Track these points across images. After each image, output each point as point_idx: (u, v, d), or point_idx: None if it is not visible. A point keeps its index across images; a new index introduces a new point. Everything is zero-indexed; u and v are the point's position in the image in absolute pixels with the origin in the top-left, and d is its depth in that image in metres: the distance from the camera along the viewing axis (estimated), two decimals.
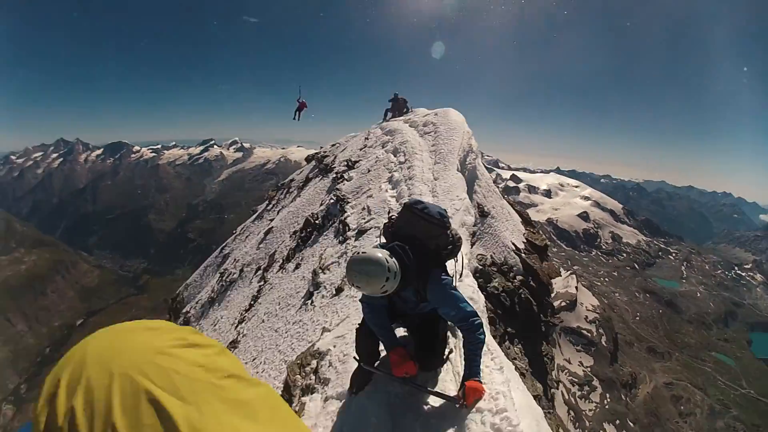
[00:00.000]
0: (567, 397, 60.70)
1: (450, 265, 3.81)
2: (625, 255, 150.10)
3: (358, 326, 3.72)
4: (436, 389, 3.37)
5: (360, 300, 3.54)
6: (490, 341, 3.88)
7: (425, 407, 3.29)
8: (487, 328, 4.70)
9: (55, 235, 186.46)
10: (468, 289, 5.23)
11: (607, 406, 62.65)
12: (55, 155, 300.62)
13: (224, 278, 14.64)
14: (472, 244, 10.04)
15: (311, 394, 4.32)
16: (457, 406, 3.05)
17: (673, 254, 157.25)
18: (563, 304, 75.85)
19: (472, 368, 3.08)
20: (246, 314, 10.43)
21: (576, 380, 64.72)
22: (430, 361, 3.63)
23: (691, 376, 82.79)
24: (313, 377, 4.59)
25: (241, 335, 9.10)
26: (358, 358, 3.72)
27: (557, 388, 60.10)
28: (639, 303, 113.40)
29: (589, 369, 67.86)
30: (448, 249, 3.45)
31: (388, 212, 9.08)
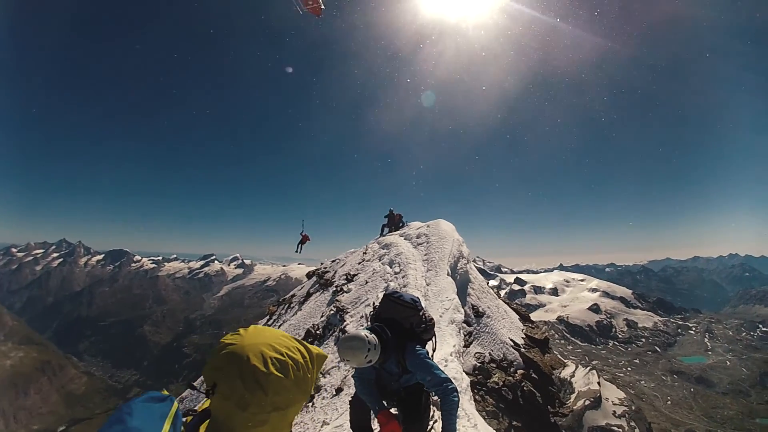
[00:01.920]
0: None
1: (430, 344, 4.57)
2: (643, 340, 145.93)
3: (350, 399, 4.44)
4: None
5: (352, 376, 4.29)
6: (468, 407, 4.52)
7: None
8: (466, 398, 5.32)
9: (46, 334, 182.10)
10: (452, 371, 6.01)
11: None
12: (55, 254, 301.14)
13: None
14: (469, 344, 10.61)
15: None
16: None
17: (693, 328, 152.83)
18: (587, 402, 72.14)
19: (449, 426, 3.67)
20: None
21: None
22: (415, 429, 4.22)
23: None
24: None
25: None
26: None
27: None
28: (668, 386, 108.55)
29: None
30: (422, 327, 4.18)
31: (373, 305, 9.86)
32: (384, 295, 4.36)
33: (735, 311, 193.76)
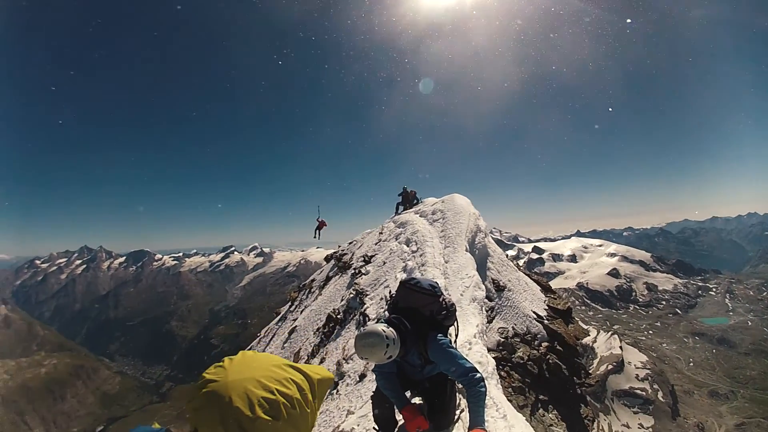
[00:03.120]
0: None
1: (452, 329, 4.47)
2: (664, 303, 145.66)
3: (372, 394, 4.30)
4: None
5: (372, 370, 4.14)
6: (496, 395, 4.39)
7: None
8: (493, 382, 5.20)
9: (77, 340, 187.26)
10: (476, 354, 5.83)
11: None
12: (78, 262, 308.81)
13: None
14: (491, 319, 10.47)
15: None
16: None
17: (714, 289, 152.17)
18: (610, 367, 72.88)
19: (476, 418, 3.53)
20: None
21: None
22: (441, 420, 4.10)
23: (763, 410, 77.74)
24: None
25: None
26: (376, 427, 4.26)
27: None
28: (689, 348, 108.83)
29: (651, 429, 63.83)
30: (442, 314, 4.01)
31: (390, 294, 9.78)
32: (400, 282, 4.17)
33: (755, 271, 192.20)
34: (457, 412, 4.32)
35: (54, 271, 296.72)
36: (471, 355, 5.80)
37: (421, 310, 3.89)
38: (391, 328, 3.52)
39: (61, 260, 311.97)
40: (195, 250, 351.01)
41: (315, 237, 25.73)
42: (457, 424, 4.20)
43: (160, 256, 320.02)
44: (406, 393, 4.13)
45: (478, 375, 3.64)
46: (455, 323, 4.50)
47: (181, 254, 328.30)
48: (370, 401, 4.32)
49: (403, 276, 11.31)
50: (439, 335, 3.80)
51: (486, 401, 4.07)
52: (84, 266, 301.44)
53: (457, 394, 4.47)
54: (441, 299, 4.05)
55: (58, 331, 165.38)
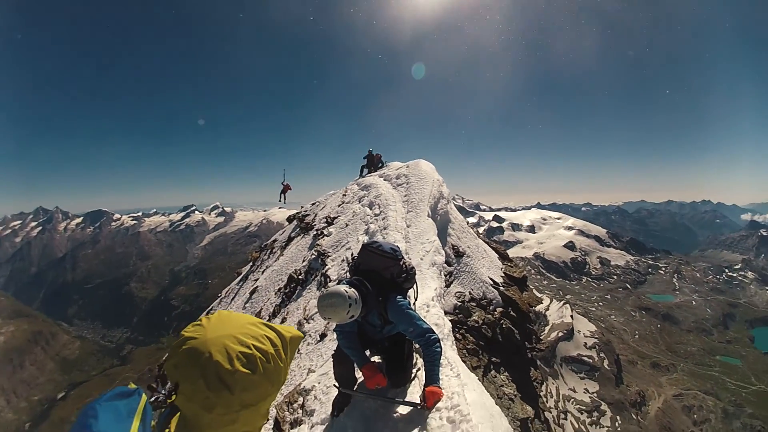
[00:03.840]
0: (577, 426, 59.87)
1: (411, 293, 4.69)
2: (615, 277, 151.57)
3: (333, 353, 4.43)
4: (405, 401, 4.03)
5: (333, 330, 4.26)
6: (451, 355, 4.60)
7: (394, 415, 3.94)
8: (448, 344, 5.39)
9: (34, 305, 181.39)
10: (434, 317, 6.00)
11: (619, 429, 61.88)
12: (33, 224, 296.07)
13: None
14: (449, 284, 10.68)
15: (299, 426, 4.94)
16: (419, 408, 3.73)
17: (663, 268, 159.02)
18: (560, 334, 75.87)
19: (431, 376, 3.74)
20: None
21: (584, 408, 64.02)
22: (399, 378, 4.29)
23: (699, 383, 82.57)
24: (300, 411, 5.24)
25: None
26: (337, 384, 4.41)
27: (566, 419, 59.48)
28: (636, 321, 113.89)
29: (595, 394, 67.29)
30: (402, 277, 4.18)
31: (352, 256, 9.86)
32: (362, 246, 4.29)
33: (703, 255, 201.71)
34: (414, 370, 4.50)
35: (8, 234, 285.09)
36: (428, 317, 5.97)
37: (381, 273, 4.04)
38: (353, 289, 3.63)
39: (15, 223, 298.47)
40: (154, 210, 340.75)
41: (280, 200, 25.45)
42: (413, 382, 4.38)
43: (119, 216, 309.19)
44: (365, 352, 4.26)
45: (435, 336, 3.80)
46: (414, 286, 4.69)
47: (140, 214, 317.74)
48: (332, 359, 4.45)
49: (365, 239, 11.38)
50: (399, 297, 3.93)
51: (441, 361, 4.23)
52: (39, 228, 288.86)
53: (414, 353, 4.65)
54: (401, 263, 4.19)
55: (15, 297, 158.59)
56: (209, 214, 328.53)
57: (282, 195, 25.23)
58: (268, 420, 1.60)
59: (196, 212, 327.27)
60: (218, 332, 1.29)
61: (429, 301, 6.95)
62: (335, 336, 4.31)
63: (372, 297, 3.77)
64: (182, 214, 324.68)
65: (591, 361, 72.79)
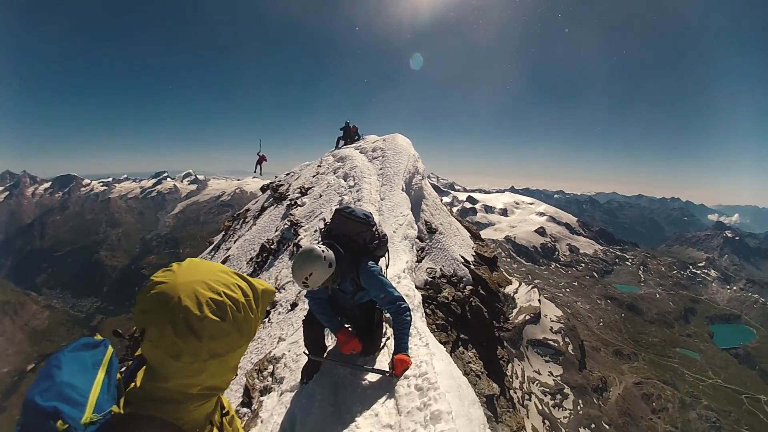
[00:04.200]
0: (541, 407, 61.46)
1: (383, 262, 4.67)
2: (583, 265, 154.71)
3: (303, 318, 4.36)
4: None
5: (305, 296, 4.17)
6: (420, 326, 4.56)
7: (363, 382, 3.93)
8: (418, 315, 5.36)
9: (1, 273, 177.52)
10: (404, 288, 5.96)
11: (580, 412, 63.76)
12: (0, 188, 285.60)
13: None
14: (421, 259, 10.64)
15: (268, 393, 4.88)
16: (388, 375, 3.72)
17: (630, 260, 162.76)
18: (527, 317, 77.41)
19: (400, 345, 3.73)
20: None
21: (548, 390, 65.71)
22: (369, 346, 4.26)
23: (659, 373, 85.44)
24: (270, 379, 5.19)
25: None
26: (307, 351, 4.37)
27: (530, 400, 61.16)
28: (601, 309, 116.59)
29: (559, 378, 69.05)
30: (375, 243, 4.16)
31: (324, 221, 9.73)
32: (336, 210, 4.23)
33: (669, 250, 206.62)
34: (384, 339, 4.48)
35: None
36: (399, 288, 5.93)
37: (354, 239, 3.99)
38: (330, 251, 3.59)
39: None
40: (126, 175, 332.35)
41: (255, 171, 25.09)
42: (383, 350, 4.38)
43: (88, 181, 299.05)
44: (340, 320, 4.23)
45: (405, 304, 3.78)
46: (386, 255, 4.64)
47: (110, 179, 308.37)
48: (302, 326, 4.38)
49: None
50: (371, 262, 3.88)
51: (411, 331, 4.17)
52: (6, 193, 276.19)
53: (384, 323, 4.63)
54: (374, 229, 4.17)
55: None
56: (182, 181, 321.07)
57: (258, 166, 24.87)
58: (236, 375, 1.44)
59: (168, 179, 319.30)
60: (188, 277, 1.23)
61: (400, 272, 6.95)
62: (306, 303, 4.28)
63: (344, 261, 3.72)
64: (154, 180, 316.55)
65: (556, 345, 74.54)
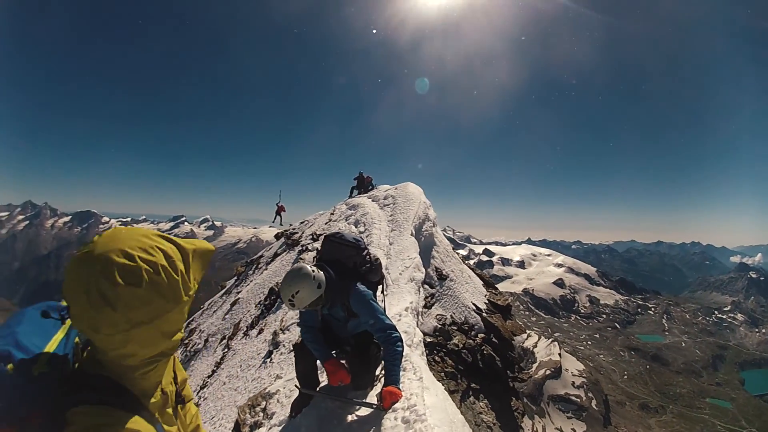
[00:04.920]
0: None
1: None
2: (604, 316, 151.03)
3: (293, 346, 4.29)
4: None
5: (297, 324, 4.11)
6: (416, 361, 4.45)
7: (350, 416, 3.78)
8: (417, 353, 5.27)
9: (14, 299, 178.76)
10: (404, 325, 5.89)
11: None
12: (21, 217, 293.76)
13: (188, 349, 14.64)
14: (431, 305, 10.53)
15: (258, 429, 4.79)
16: (374, 408, 3.58)
17: (652, 309, 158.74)
18: (548, 372, 75.06)
19: (390, 376, 3.56)
20: (208, 380, 10.53)
21: None
22: (362, 380, 4.11)
23: (689, 426, 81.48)
24: (261, 414, 5.09)
25: (202, 399, 9.24)
26: (298, 384, 4.26)
27: None
28: (625, 361, 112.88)
29: None
30: (366, 267, 4.07)
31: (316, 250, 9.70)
32: (324, 237, 4.16)
33: (693, 296, 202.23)
34: (378, 374, 4.31)
35: None
36: (400, 325, 5.89)
37: (344, 262, 3.91)
38: (321, 272, 3.53)
39: (2, 213, 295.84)
40: (144, 217, 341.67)
41: (274, 222, 25.60)
42: (378, 386, 4.17)
43: (108, 219, 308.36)
44: (331, 352, 4.09)
45: (396, 334, 3.64)
46: (382, 285, 4.57)
47: (129, 219, 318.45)
48: (293, 356, 4.29)
49: None
50: (362, 286, 3.78)
51: (405, 365, 4.10)
52: (26, 222, 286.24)
53: (380, 357, 4.49)
54: (365, 253, 4.09)
55: None
56: (199, 226, 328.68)
57: (277, 216, 25.39)
58: (177, 344, 1.33)
59: (186, 223, 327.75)
60: (105, 247, 1.15)
61: (402, 311, 6.90)
62: (300, 331, 4.13)
63: (335, 283, 3.63)
64: (172, 224, 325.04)
65: (579, 400, 71.78)
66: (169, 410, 1.50)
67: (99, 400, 1.20)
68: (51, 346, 1.28)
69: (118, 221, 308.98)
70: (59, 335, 1.31)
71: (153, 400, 1.37)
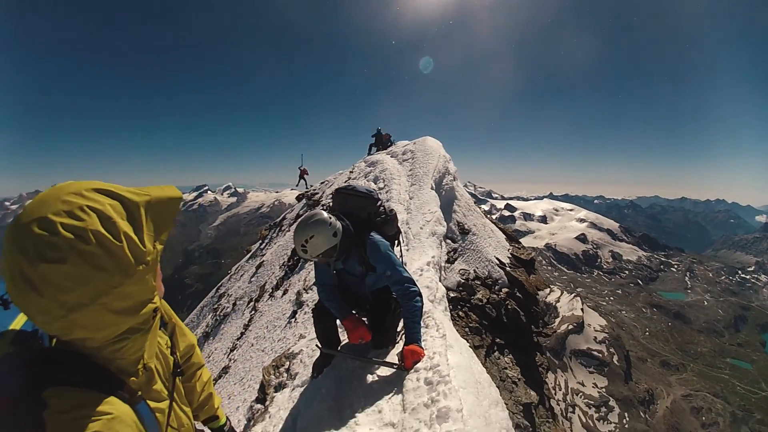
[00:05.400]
0: (585, 420, 59.55)
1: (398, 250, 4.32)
2: (627, 272, 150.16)
3: (312, 309, 4.08)
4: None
5: (313, 284, 3.95)
6: (439, 317, 4.22)
7: (371, 376, 3.58)
8: (440, 308, 5.09)
9: None
10: (426, 280, 5.69)
11: (626, 426, 61.43)
12: None
13: (218, 313, 14.96)
14: (453, 260, 10.36)
15: (282, 389, 4.73)
16: (396, 368, 3.38)
17: (675, 266, 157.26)
18: (570, 327, 75.33)
19: (411, 334, 3.35)
20: (237, 342, 10.69)
21: (592, 402, 63.65)
22: (381, 338, 3.90)
23: (708, 385, 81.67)
24: (285, 375, 5.01)
25: (232, 361, 9.39)
26: (319, 344, 4.11)
27: (573, 412, 59.12)
28: (647, 318, 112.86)
29: (604, 390, 66.81)
30: (381, 217, 3.83)
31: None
32: (335, 190, 3.94)
33: (716, 255, 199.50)
34: (399, 332, 4.10)
35: (2, 215, 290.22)
36: (421, 280, 5.70)
37: (357, 214, 3.69)
38: (338, 221, 3.34)
39: (12, 207, 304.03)
40: None
41: (298, 185, 25.61)
42: (398, 345, 3.98)
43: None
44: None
45: (414, 288, 3.43)
46: (400, 239, 4.35)
47: None
48: (312, 317, 4.11)
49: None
50: (378, 236, 3.58)
51: (427, 322, 3.88)
52: None
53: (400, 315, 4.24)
54: (378, 204, 3.87)
55: None
56: (222, 194, 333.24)
57: (301, 179, 25.35)
58: (149, 318, 1.13)
59: (209, 192, 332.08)
60: (28, 216, 0.92)
61: (423, 266, 6.70)
62: (316, 290, 3.96)
63: (350, 234, 3.44)
64: (195, 194, 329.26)
65: (600, 355, 72.24)
66: (157, 386, 1.32)
67: (69, 381, 1.04)
68: (17, 323, 1.15)
69: None
70: (24, 317, 1.17)
71: (133, 378, 1.19)
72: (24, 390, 1.00)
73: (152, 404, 1.25)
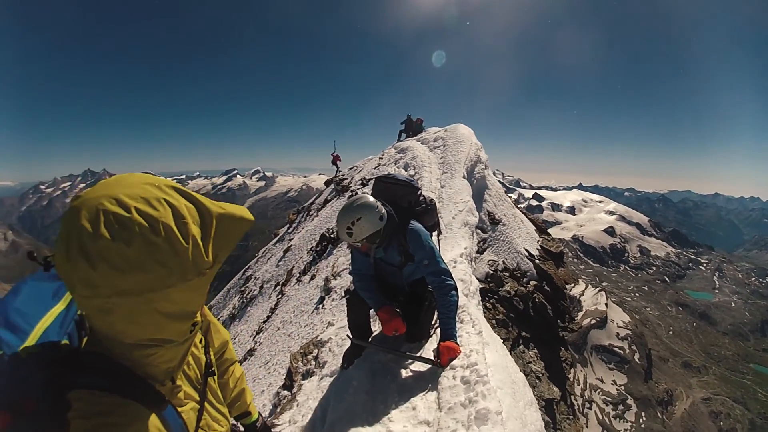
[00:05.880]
0: (601, 417, 58.92)
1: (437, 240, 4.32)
2: (654, 268, 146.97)
3: (347, 297, 4.07)
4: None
5: (350, 273, 3.92)
6: (474, 312, 4.15)
7: (405, 371, 3.51)
8: (474, 302, 5.01)
9: None
10: (460, 272, 5.62)
11: (643, 425, 60.58)
12: (82, 185, 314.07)
13: (245, 296, 15.17)
14: (483, 251, 10.27)
15: (310, 377, 4.73)
16: (431, 364, 3.31)
17: (704, 264, 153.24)
18: (593, 321, 74.25)
19: (447, 330, 3.29)
20: (263, 325, 10.79)
21: (610, 399, 62.87)
22: (416, 332, 3.82)
23: (729, 390, 79.82)
24: (313, 362, 5.01)
25: (257, 344, 9.49)
26: (350, 335, 4.06)
27: (590, 408, 58.56)
28: (672, 317, 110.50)
29: (622, 387, 65.86)
30: (422, 207, 3.78)
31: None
32: (376, 179, 3.87)
33: (748, 255, 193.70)
34: (433, 326, 4.05)
35: (58, 195, 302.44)
36: (455, 272, 5.58)
37: (398, 202, 3.63)
38: (383, 207, 3.30)
39: (65, 184, 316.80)
40: (198, 173, 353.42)
41: (338, 171, 25.72)
42: (431, 339, 3.94)
43: (163, 178, 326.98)
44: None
45: (450, 282, 3.36)
46: (438, 230, 4.29)
47: (183, 176, 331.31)
48: (346, 305, 4.09)
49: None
50: (419, 224, 3.53)
51: (463, 317, 3.83)
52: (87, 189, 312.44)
53: (435, 309, 4.21)
54: (419, 193, 3.83)
55: None
56: (251, 178, 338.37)
57: (334, 165, 25.40)
58: (186, 334, 1.08)
59: (238, 176, 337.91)
60: (101, 191, 0.91)
61: (457, 257, 6.62)
62: (352, 279, 3.95)
63: (393, 223, 3.38)
64: (224, 177, 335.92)
65: (622, 352, 71.06)
66: (181, 394, 1.25)
67: (95, 384, 1.00)
68: (46, 320, 1.11)
69: (173, 179, 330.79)
70: (58, 307, 1.13)
71: (160, 387, 1.14)
72: (49, 390, 0.97)
73: (180, 408, 1.22)
